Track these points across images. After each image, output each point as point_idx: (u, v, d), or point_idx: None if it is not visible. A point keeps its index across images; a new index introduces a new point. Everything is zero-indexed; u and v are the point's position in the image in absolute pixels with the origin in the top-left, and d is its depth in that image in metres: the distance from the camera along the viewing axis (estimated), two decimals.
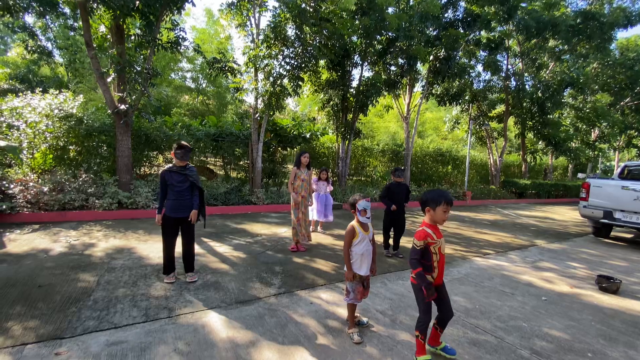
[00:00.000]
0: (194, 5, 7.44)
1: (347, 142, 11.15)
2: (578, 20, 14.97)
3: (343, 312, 2.91)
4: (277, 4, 8.41)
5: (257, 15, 8.90)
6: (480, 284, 3.94)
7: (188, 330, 2.50)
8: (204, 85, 19.81)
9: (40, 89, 8.16)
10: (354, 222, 2.60)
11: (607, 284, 3.93)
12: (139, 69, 7.06)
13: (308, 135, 10.54)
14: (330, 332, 2.59)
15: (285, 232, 6.03)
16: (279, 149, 10.92)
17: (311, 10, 7.78)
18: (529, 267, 4.76)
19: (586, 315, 3.24)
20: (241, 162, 10.71)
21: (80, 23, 7.19)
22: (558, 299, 3.61)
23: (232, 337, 2.44)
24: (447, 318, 2.29)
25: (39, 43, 9.26)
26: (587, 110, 18.58)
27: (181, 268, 3.60)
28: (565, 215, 11.61)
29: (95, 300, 2.91)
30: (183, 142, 3.43)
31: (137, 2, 6.68)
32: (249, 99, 9.01)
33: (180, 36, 7.90)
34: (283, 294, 3.25)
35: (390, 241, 4.99)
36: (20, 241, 4.57)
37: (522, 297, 3.61)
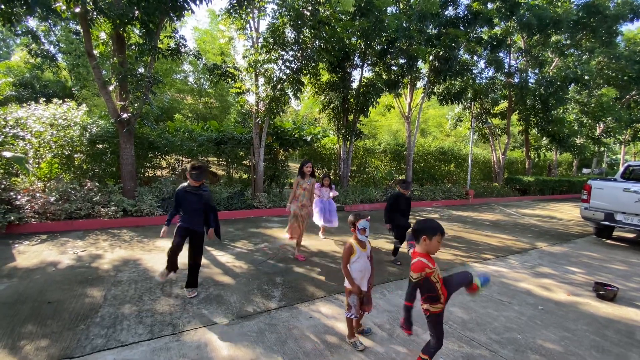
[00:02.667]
0: (193, 12, 7.48)
1: (348, 143, 11.19)
2: (581, 14, 14.80)
3: (341, 327, 2.99)
4: (275, 7, 8.45)
5: (256, 19, 8.93)
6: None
7: (191, 347, 2.60)
8: (206, 86, 19.87)
9: (44, 98, 8.27)
10: (351, 240, 2.74)
11: (604, 292, 3.98)
12: (140, 77, 7.14)
13: (309, 138, 10.59)
14: (328, 347, 2.68)
15: (285, 237, 6.11)
16: (281, 150, 10.99)
17: (309, 14, 7.79)
18: (528, 273, 4.81)
19: (581, 325, 3.30)
20: (244, 162, 10.80)
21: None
22: (555, 308, 3.67)
23: (234, 355, 2.53)
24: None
25: (42, 47, 9.35)
26: (592, 105, 18.39)
27: (183, 281, 3.68)
28: (568, 213, 11.58)
29: (103, 316, 3.02)
30: (198, 163, 3.48)
31: (137, 12, 6.75)
32: (251, 98, 9.06)
33: (181, 43, 7.97)
34: (283, 308, 3.34)
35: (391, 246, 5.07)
36: (29, 253, 4.70)
37: (519, 306, 3.67)
